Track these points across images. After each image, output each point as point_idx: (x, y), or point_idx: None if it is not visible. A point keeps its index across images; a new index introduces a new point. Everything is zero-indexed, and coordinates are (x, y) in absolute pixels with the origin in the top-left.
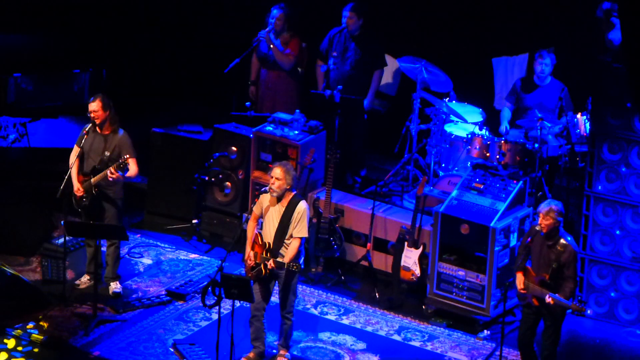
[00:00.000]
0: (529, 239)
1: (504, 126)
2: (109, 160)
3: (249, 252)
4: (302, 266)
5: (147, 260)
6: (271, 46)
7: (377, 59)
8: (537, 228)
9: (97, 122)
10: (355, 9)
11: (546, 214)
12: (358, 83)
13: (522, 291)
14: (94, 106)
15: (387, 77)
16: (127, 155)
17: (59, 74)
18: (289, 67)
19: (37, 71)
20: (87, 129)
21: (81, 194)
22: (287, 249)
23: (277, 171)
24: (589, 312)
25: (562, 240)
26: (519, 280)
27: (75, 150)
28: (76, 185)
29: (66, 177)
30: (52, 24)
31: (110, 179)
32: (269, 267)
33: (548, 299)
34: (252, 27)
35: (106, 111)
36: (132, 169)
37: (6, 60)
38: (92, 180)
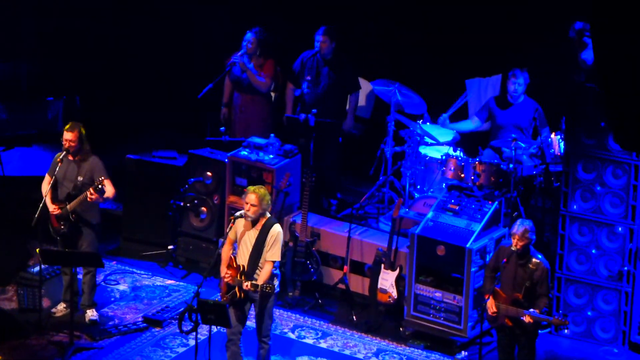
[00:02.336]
0: (504, 260)
1: (445, 119)
2: (82, 185)
3: (224, 273)
4: (278, 289)
5: (123, 287)
6: (246, 71)
7: (351, 82)
8: (513, 248)
9: (71, 150)
10: (327, 32)
11: (522, 235)
12: (332, 107)
13: (493, 315)
14: (70, 136)
15: (361, 100)
16: (102, 177)
17: (33, 102)
18: (265, 90)
19: (10, 99)
20: (60, 157)
21: (57, 212)
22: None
23: (251, 197)
24: (566, 331)
25: (534, 259)
26: (490, 303)
27: (47, 179)
28: (52, 207)
29: (41, 205)
30: (25, 52)
31: (90, 200)
32: (244, 288)
33: (527, 318)
34: (225, 51)
35: (81, 142)
36: (109, 189)
37: None
38: (69, 206)
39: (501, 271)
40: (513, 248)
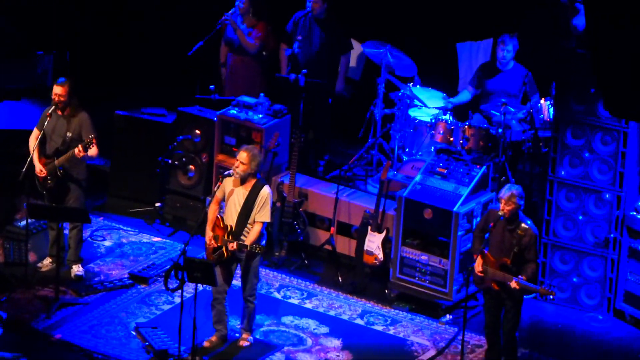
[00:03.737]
0: (491, 225)
1: (450, 101)
2: (70, 141)
3: (210, 235)
4: (264, 248)
5: (109, 243)
6: (237, 30)
7: (342, 43)
8: (500, 213)
9: (60, 105)
10: None
11: (508, 200)
12: (324, 67)
13: (480, 274)
14: (60, 90)
15: (351, 62)
16: (92, 135)
17: (22, 56)
18: (254, 52)
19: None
20: (49, 112)
21: (44, 175)
22: (249, 232)
23: (242, 155)
24: (552, 297)
25: (523, 225)
26: (478, 263)
27: (35, 133)
28: (38, 167)
29: (28, 160)
30: (15, 6)
31: (78, 156)
32: (230, 249)
33: (513, 284)
34: (219, 9)
35: (72, 96)
36: (93, 149)
37: None
38: (57, 161)
39: (489, 235)
40: (500, 213)
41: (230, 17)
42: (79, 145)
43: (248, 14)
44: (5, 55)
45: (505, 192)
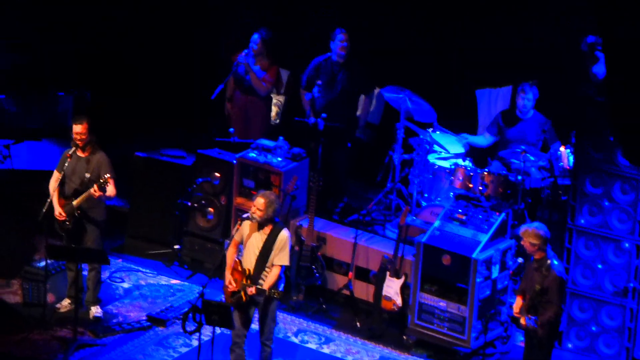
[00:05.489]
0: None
1: (467, 137)
2: (89, 181)
3: (229, 279)
4: (282, 292)
5: (128, 285)
6: (250, 72)
7: (365, 84)
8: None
9: (81, 144)
10: (347, 33)
11: (521, 235)
12: (345, 111)
13: (516, 315)
14: (80, 128)
15: (372, 106)
16: (108, 175)
17: (44, 96)
18: (264, 94)
19: (21, 93)
20: (70, 153)
21: (63, 219)
22: (267, 276)
23: (259, 201)
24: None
25: (548, 263)
26: (516, 304)
27: (56, 175)
28: (57, 209)
29: (48, 202)
30: (37, 45)
31: (94, 196)
32: (249, 293)
33: (522, 321)
34: (234, 50)
35: (90, 134)
36: (110, 189)
37: None
38: (75, 202)
39: (524, 274)
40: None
41: (245, 58)
42: (95, 185)
43: (261, 55)
44: (26, 96)
45: (521, 229)
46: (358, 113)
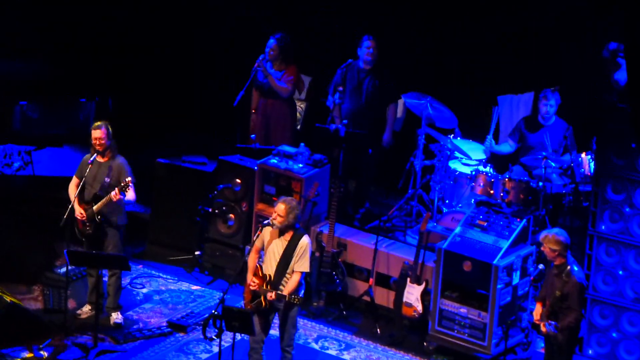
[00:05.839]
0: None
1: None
2: (109, 186)
3: (249, 283)
4: (302, 298)
5: (148, 291)
6: (268, 76)
7: (392, 92)
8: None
9: (100, 149)
10: (375, 39)
11: (542, 241)
12: (369, 117)
13: (537, 322)
14: (99, 133)
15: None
16: (129, 178)
17: (65, 103)
18: (286, 96)
19: (43, 99)
20: (89, 159)
21: (83, 218)
22: (287, 282)
23: (280, 207)
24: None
25: (568, 269)
26: (536, 310)
27: (75, 181)
28: (78, 210)
29: (69, 208)
30: (59, 52)
31: (114, 200)
32: (269, 298)
33: (542, 328)
34: (254, 55)
35: (109, 139)
36: (130, 193)
37: (13, 88)
38: (95, 207)
39: (544, 280)
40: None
41: (262, 62)
42: (116, 189)
43: (278, 60)
44: (47, 102)
45: (542, 235)
46: (387, 120)
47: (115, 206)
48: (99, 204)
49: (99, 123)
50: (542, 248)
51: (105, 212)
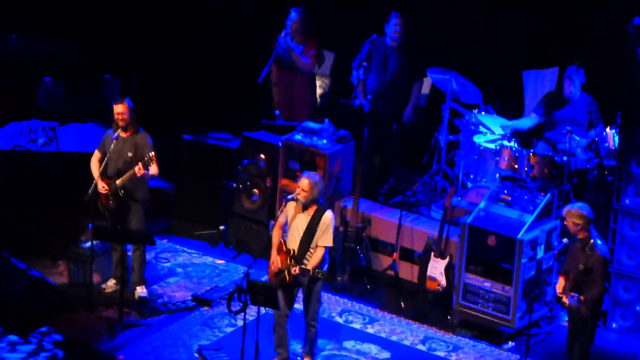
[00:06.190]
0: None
1: (509, 125)
2: (131, 161)
3: (274, 258)
4: (327, 273)
5: (173, 265)
6: (290, 51)
7: (418, 69)
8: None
9: (122, 124)
10: (403, 16)
11: (565, 215)
12: (394, 93)
13: (560, 295)
14: (121, 108)
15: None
16: (153, 152)
17: (90, 79)
18: (309, 71)
19: (67, 76)
20: (113, 135)
21: (106, 193)
22: (311, 256)
23: (304, 182)
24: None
25: (592, 242)
26: (559, 284)
27: (97, 155)
28: (100, 183)
29: (93, 183)
30: (84, 29)
31: (138, 174)
32: (293, 273)
33: (564, 299)
34: (275, 31)
35: (131, 113)
36: (153, 168)
37: (37, 65)
38: (118, 182)
39: (567, 254)
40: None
41: (284, 38)
42: (140, 163)
43: (299, 33)
44: (72, 79)
45: (564, 209)
46: (411, 98)
47: (139, 181)
48: (123, 178)
49: (119, 98)
50: (565, 222)
51: (129, 187)
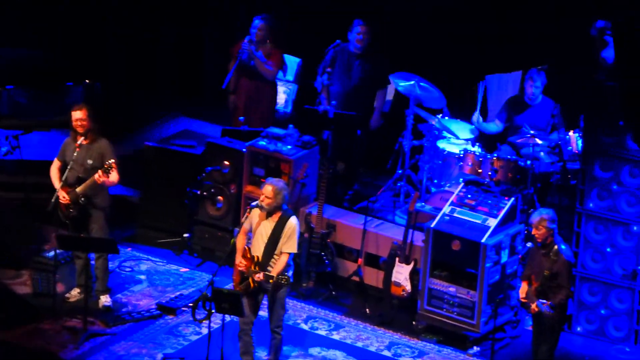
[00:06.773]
0: (532, 247)
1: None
2: (92, 168)
3: (239, 262)
4: (292, 280)
5: (138, 274)
6: (254, 58)
7: (384, 77)
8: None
9: (81, 130)
10: (367, 24)
11: (538, 224)
12: (360, 100)
13: (522, 300)
14: (80, 114)
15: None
16: (113, 160)
17: (53, 87)
18: (272, 78)
19: (30, 84)
20: (75, 143)
21: (67, 202)
22: (275, 263)
23: (268, 189)
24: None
25: (556, 248)
26: (522, 289)
27: (57, 163)
28: (62, 193)
29: (56, 191)
30: (46, 37)
31: (98, 182)
32: (256, 279)
33: (533, 307)
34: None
35: (91, 120)
36: (114, 175)
37: (0, 72)
38: (78, 189)
39: (529, 260)
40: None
41: (248, 45)
42: (99, 171)
43: (263, 41)
44: (35, 86)
45: (535, 217)
46: (375, 105)
47: (99, 188)
48: (83, 186)
49: (77, 105)
50: (536, 230)
51: (89, 194)
